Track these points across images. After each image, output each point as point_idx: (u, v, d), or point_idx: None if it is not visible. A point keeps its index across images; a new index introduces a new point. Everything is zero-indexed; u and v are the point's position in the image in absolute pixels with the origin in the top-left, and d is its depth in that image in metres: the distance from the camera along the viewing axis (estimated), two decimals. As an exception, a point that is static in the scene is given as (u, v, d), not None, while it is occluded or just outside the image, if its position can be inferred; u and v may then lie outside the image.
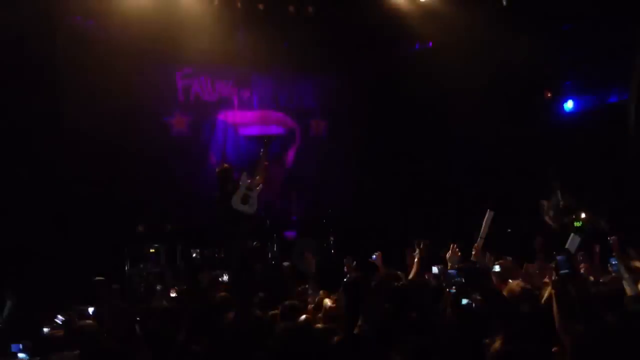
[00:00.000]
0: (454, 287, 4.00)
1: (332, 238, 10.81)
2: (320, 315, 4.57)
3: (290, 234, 10.93)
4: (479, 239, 5.43)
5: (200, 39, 10.69)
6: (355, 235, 10.82)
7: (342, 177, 12.64)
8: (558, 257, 3.51)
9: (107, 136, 10.23)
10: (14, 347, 4.51)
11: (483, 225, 5.65)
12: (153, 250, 9.24)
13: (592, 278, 5.18)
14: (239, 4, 10.41)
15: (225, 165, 10.08)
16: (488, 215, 5.72)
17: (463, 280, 3.91)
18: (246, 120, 12.23)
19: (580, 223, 9.02)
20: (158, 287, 7.75)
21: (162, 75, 11.56)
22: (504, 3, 9.99)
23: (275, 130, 12.45)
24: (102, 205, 9.75)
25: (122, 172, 10.50)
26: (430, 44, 12.31)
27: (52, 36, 9.56)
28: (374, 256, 6.53)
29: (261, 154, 8.92)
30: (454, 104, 12.07)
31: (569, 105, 11.24)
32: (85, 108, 10.07)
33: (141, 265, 8.92)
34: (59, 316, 5.21)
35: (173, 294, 6.71)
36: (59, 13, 9.73)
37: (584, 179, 9.96)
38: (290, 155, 12.59)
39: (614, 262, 5.16)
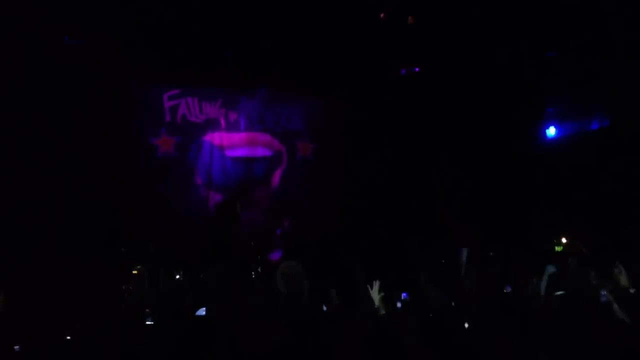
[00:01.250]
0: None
1: (316, 260, 10.80)
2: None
3: (275, 256, 10.92)
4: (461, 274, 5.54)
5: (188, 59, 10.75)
6: (340, 258, 10.82)
7: (329, 200, 12.72)
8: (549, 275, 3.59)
9: (92, 156, 10.23)
10: None
11: (462, 263, 5.78)
12: (136, 272, 9.16)
13: None
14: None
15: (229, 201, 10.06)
16: (464, 253, 5.90)
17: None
18: (233, 142, 12.25)
19: (562, 247, 9.10)
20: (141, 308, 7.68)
21: (149, 96, 11.60)
22: None
23: (261, 152, 12.50)
24: (84, 225, 9.70)
25: (107, 192, 10.46)
26: (417, 69, 12.43)
27: (37, 55, 9.56)
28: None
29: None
30: (439, 129, 12.23)
31: (551, 131, 11.37)
32: (70, 128, 10.07)
33: (123, 287, 8.84)
34: None
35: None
36: (46, 32, 9.75)
37: (566, 204, 10.08)
38: (277, 177, 12.63)
39: (603, 294, 5.19)
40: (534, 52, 10.94)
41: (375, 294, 5.35)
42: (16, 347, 4.63)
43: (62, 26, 9.87)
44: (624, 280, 5.43)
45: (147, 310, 6.39)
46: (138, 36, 9.95)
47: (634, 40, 9.12)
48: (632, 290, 5.32)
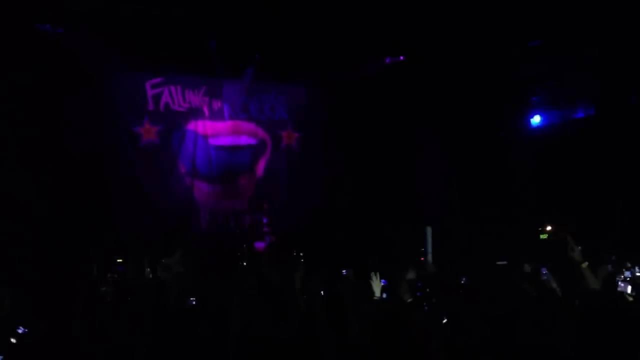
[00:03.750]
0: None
1: (301, 249, 10.79)
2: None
3: (259, 245, 10.89)
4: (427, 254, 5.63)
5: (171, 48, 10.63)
6: (324, 246, 10.83)
7: (313, 188, 12.73)
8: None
9: (75, 145, 10.11)
10: None
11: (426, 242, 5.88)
12: (121, 260, 9.09)
13: None
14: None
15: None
16: (427, 231, 6.01)
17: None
18: (216, 131, 12.16)
19: (547, 235, 9.16)
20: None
21: (132, 85, 11.46)
22: None
23: (246, 140, 12.43)
24: (68, 213, 9.60)
25: (90, 181, 10.35)
26: (402, 57, 12.40)
27: (19, 44, 9.40)
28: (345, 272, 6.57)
29: None
30: (423, 118, 12.25)
31: (536, 120, 11.42)
32: (52, 116, 9.94)
33: (108, 275, 8.76)
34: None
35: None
36: (27, 20, 9.59)
37: (550, 191, 10.16)
38: (261, 165, 12.57)
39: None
40: (519, 41, 10.97)
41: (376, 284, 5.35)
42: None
43: (44, 14, 9.71)
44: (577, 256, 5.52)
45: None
46: (120, 24, 9.82)
47: (617, 29, 9.17)
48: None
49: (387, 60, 12.40)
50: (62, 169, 9.80)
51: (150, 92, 11.60)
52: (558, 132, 10.84)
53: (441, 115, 12.13)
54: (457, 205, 11.80)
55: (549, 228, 9.27)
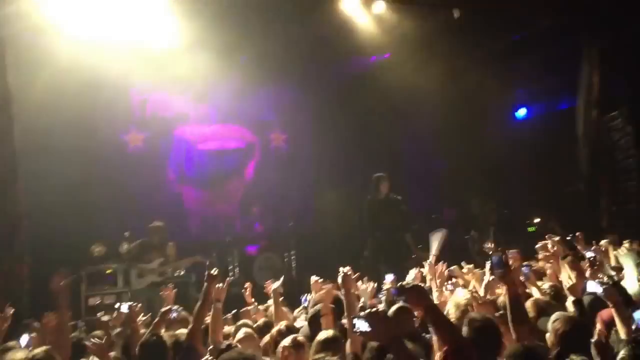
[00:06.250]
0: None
1: (292, 252, 10.78)
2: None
3: (251, 249, 10.87)
4: (431, 255, 5.56)
5: (155, 54, 10.56)
6: (316, 249, 10.81)
7: (303, 190, 12.70)
8: (492, 258, 3.63)
9: (61, 155, 10.06)
10: None
11: (436, 243, 5.79)
12: (110, 271, 9.04)
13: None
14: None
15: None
16: (442, 233, 5.90)
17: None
18: (204, 135, 12.11)
19: (534, 228, 9.19)
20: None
21: (116, 91, 11.37)
22: (456, 15, 10.02)
23: (234, 144, 12.38)
24: (56, 224, 9.55)
25: (78, 191, 10.31)
26: (388, 55, 12.40)
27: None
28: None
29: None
30: (410, 115, 12.26)
31: (522, 112, 11.45)
32: (37, 127, 9.89)
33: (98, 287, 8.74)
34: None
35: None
36: (8, 29, 9.52)
37: (536, 183, 10.19)
38: (250, 168, 12.52)
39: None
40: (502, 35, 10.98)
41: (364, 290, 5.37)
42: None
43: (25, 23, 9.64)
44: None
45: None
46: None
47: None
48: None
49: (373, 58, 12.42)
50: (48, 177, 9.74)
51: (135, 99, 11.50)
52: (543, 124, 10.86)
53: (428, 111, 12.14)
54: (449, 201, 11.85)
55: (536, 220, 9.29)
